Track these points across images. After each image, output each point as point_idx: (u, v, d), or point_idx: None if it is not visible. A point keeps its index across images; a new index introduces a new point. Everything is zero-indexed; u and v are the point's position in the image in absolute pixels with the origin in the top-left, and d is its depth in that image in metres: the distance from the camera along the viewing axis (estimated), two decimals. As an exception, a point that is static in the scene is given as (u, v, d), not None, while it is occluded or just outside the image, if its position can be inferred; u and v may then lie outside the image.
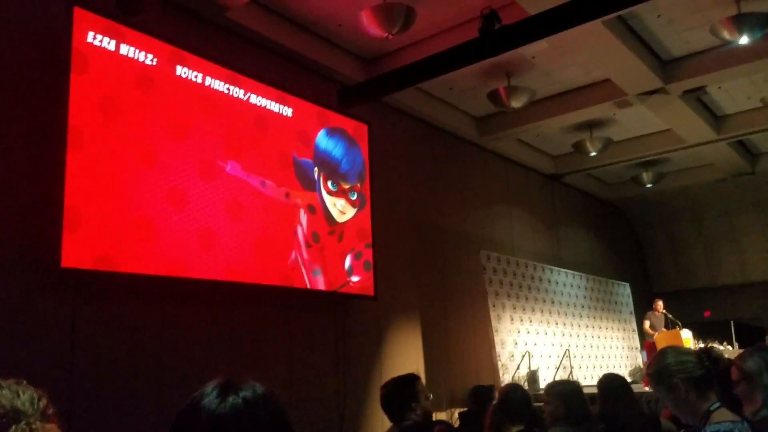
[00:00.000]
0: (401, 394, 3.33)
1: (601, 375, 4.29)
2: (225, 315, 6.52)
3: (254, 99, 6.96)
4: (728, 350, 11.39)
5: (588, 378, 11.16)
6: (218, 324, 6.43)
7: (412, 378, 3.43)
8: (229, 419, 1.10)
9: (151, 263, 5.68)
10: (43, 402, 1.46)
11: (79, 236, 5.18)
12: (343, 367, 7.75)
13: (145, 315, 5.84)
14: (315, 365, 7.40)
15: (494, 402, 3.47)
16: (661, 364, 2.29)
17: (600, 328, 12.77)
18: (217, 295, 6.43)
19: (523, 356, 10.08)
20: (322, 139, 7.73)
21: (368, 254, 8.05)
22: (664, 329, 11.13)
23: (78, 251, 5.16)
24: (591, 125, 10.94)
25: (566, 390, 3.53)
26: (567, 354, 11.01)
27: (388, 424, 3.58)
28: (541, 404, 3.64)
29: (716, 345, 12.42)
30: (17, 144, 5.21)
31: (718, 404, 2.20)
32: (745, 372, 2.29)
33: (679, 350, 2.33)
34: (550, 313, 11.39)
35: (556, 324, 11.43)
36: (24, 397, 1.42)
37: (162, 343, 5.91)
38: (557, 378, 10.00)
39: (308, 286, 7.24)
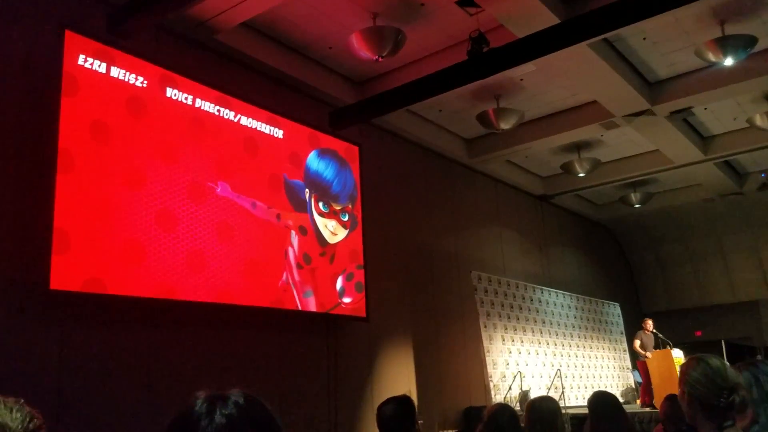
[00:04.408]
0: (407, 415, 3.29)
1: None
2: (215, 337, 6.47)
3: (245, 121, 6.99)
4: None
5: (579, 398, 11.12)
6: (208, 346, 6.38)
7: (410, 399, 3.41)
8: None
9: (140, 285, 5.65)
10: (35, 423, 1.46)
11: (68, 258, 5.15)
12: (335, 388, 7.69)
13: (134, 337, 5.79)
14: (306, 387, 7.34)
15: (482, 423, 3.40)
16: (687, 369, 2.23)
17: (591, 348, 12.75)
18: (207, 318, 6.38)
19: (515, 377, 10.05)
20: (313, 160, 7.76)
21: (360, 275, 8.03)
22: (654, 348, 11.14)
23: (67, 273, 5.13)
24: (579, 146, 11.05)
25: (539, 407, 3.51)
26: (558, 374, 10.98)
27: (379, 444, 3.54)
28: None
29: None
30: (6, 166, 5.20)
31: (731, 422, 2.17)
32: (735, 387, 2.30)
33: (715, 372, 2.18)
34: (541, 333, 11.38)
35: (547, 344, 11.42)
36: (16, 415, 1.43)
37: (151, 366, 5.85)
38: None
39: (299, 308, 7.21)
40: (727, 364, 2.26)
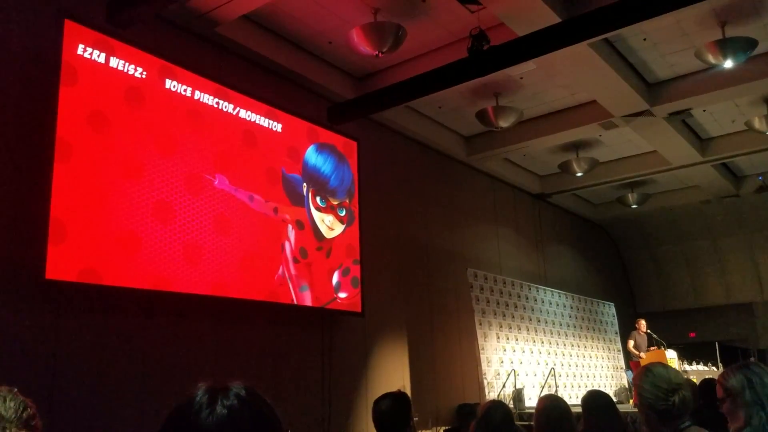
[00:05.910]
0: (403, 411, 3.29)
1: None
2: (210, 329, 6.47)
3: (243, 114, 6.98)
4: (713, 371, 11.43)
5: (573, 397, 11.14)
6: (203, 339, 6.38)
7: (407, 396, 3.41)
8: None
9: (136, 277, 5.64)
10: (28, 413, 1.47)
11: (64, 249, 5.14)
12: (329, 382, 7.70)
13: (129, 328, 5.78)
14: (301, 381, 7.35)
15: (475, 419, 3.40)
16: (638, 382, 2.36)
17: (585, 347, 12.79)
18: (202, 310, 6.38)
19: (509, 374, 10.08)
20: (311, 154, 7.75)
21: (356, 271, 8.03)
22: (647, 349, 11.18)
23: (63, 264, 5.12)
24: (577, 146, 11.06)
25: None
26: (552, 373, 11.02)
27: (372, 440, 3.54)
28: (523, 423, 3.62)
29: (701, 366, 12.46)
30: (4, 155, 5.18)
31: (688, 423, 2.23)
32: (728, 389, 2.32)
33: (659, 378, 2.33)
34: (536, 331, 11.41)
35: (542, 343, 11.45)
36: (9, 404, 1.44)
37: (145, 357, 5.85)
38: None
39: (295, 302, 7.21)
40: (673, 368, 2.43)
